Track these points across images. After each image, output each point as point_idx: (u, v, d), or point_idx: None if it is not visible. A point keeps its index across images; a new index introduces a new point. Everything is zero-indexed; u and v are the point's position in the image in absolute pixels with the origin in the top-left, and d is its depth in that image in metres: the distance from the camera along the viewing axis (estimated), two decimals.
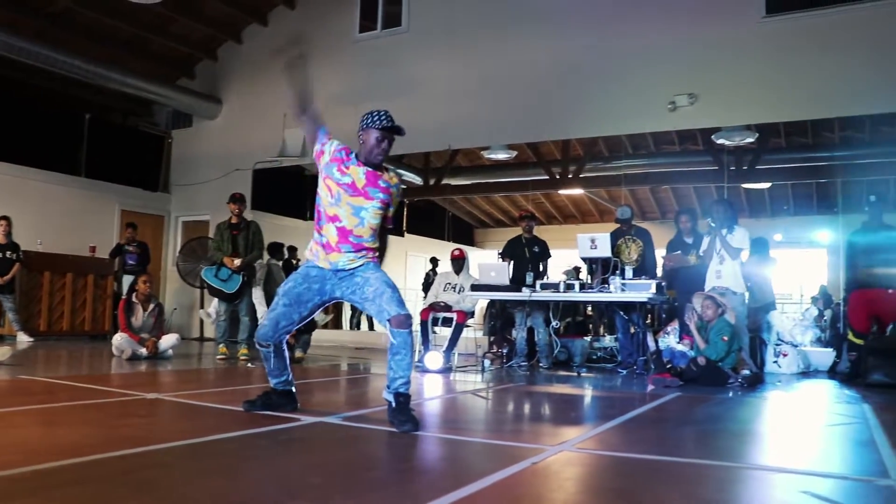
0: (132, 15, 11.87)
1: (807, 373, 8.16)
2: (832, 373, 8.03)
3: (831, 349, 8.56)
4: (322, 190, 3.89)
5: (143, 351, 7.76)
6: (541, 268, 8.60)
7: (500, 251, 8.98)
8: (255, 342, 4.02)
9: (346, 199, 3.81)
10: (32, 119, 12.40)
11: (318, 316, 4.46)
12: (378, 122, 3.80)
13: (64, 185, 12.41)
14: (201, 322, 12.75)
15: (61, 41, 11.65)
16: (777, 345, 8.23)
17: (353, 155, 3.87)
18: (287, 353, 4.11)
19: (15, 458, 2.66)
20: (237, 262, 8.06)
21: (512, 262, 8.61)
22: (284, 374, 4.10)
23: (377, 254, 3.96)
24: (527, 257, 8.56)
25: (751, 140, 10.65)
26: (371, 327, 14.07)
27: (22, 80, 12.36)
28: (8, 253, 10.00)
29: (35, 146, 12.18)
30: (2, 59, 10.77)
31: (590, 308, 9.90)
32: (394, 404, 3.70)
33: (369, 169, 3.84)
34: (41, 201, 11.87)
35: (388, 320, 3.71)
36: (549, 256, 8.81)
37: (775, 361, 8.13)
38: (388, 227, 4.02)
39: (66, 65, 11.21)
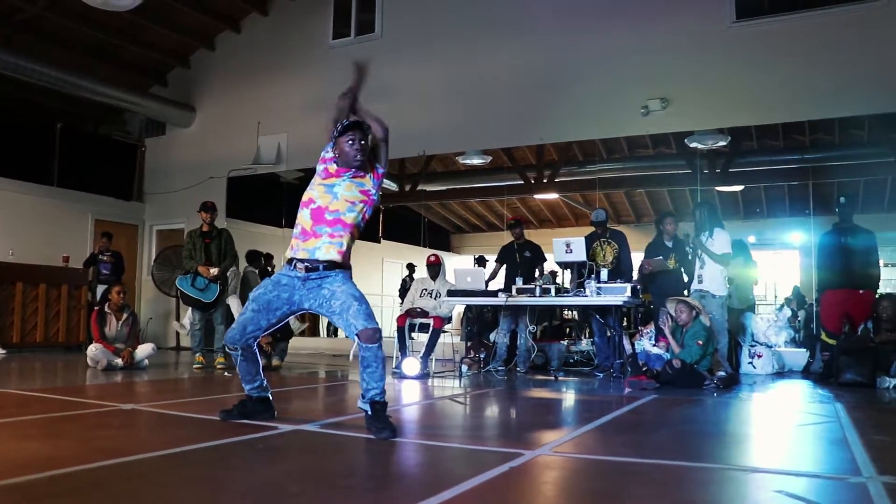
0: (103, 22, 11.80)
1: (781, 373, 8.25)
2: (806, 373, 8.12)
3: (805, 349, 8.66)
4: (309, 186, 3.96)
5: (119, 361, 7.70)
6: (536, 273, 8.63)
7: (479, 256, 9.02)
8: (224, 345, 4.01)
9: (319, 182, 3.90)
10: (2, 128, 12.26)
11: (294, 324, 4.45)
12: (340, 127, 3.86)
13: (36, 194, 12.28)
14: (177, 332, 12.66)
15: (31, 49, 11.53)
16: (752, 346, 8.32)
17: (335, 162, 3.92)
18: (259, 358, 4.08)
19: None
20: (214, 271, 8.02)
21: (504, 268, 8.67)
22: (257, 380, 4.07)
23: (348, 257, 3.90)
24: (517, 262, 8.60)
25: (723, 143, 10.76)
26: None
27: None
28: None
29: (6, 155, 12.04)
30: None
31: (567, 312, 9.94)
32: (370, 412, 3.70)
33: (342, 167, 3.89)
34: (13, 211, 11.74)
35: (357, 335, 3.70)
36: (544, 260, 8.85)
37: (750, 362, 8.21)
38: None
39: (36, 73, 11.10)
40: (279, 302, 3.88)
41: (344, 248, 3.83)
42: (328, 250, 3.80)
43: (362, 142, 3.84)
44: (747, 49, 9.14)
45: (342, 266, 3.86)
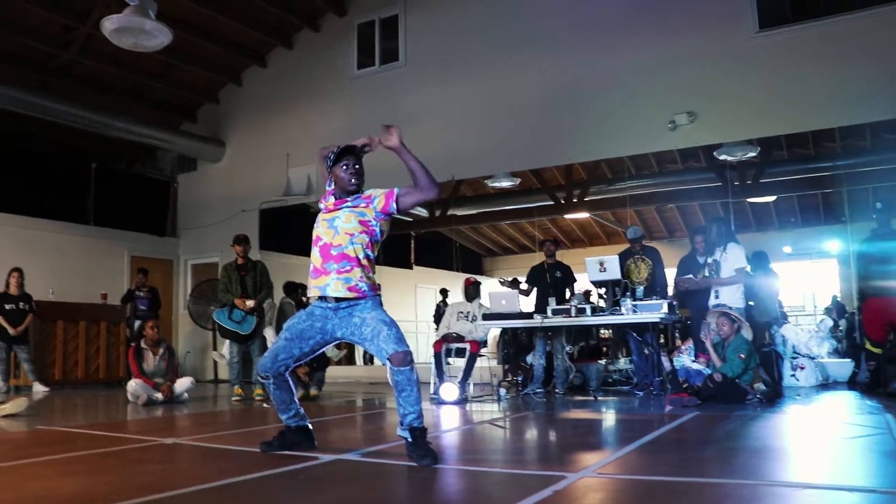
0: (133, 63, 12.03)
1: (826, 385, 8.10)
2: (852, 383, 7.97)
3: (849, 360, 8.49)
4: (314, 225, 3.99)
5: (159, 395, 7.74)
6: (567, 294, 8.56)
7: (524, 279, 8.97)
8: (257, 373, 4.00)
9: (322, 218, 3.93)
10: (40, 170, 12.52)
11: (332, 352, 4.44)
12: (332, 155, 3.90)
13: (73, 233, 12.49)
14: (215, 364, 12.74)
15: (65, 93, 11.80)
16: (793, 358, 8.18)
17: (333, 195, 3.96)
18: (293, 387, 4.06)
19: None
20: (250, 303, 8.06)
21: (535, 290, 8.62)
22: (292, 408, 4.04)
23: (374, 286, 3.89)
24: (548, 283, 8.55)
25: (753, 154, 10.65)
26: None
27: (28, 133, 12.50)
28: (21, 304, 10.05)
29: (44, 197, 12.29)
30: (9, 113, 10.91)
31: (603, 331, 9.85)
32: (410, 439, 3.67)
33: (338, 199, 3.92)
34: (52, 251, 11.94)
35: (388, 359, 3.69)
36: (574, 281, 8.79)
37: (793, 375, 8.07)
38: (404, 198, 3.88)
39: (70, 116, 11.37)
40: (312, 331, 3.89)
41: (353, 283, 3.80)
42: (336, 287, 3.80)
43: (356, 165, 3.90)
44: (772, 58, 9.07)
45: (371, 294, 3.86)
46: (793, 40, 9.02)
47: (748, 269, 7.28)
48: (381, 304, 3.92)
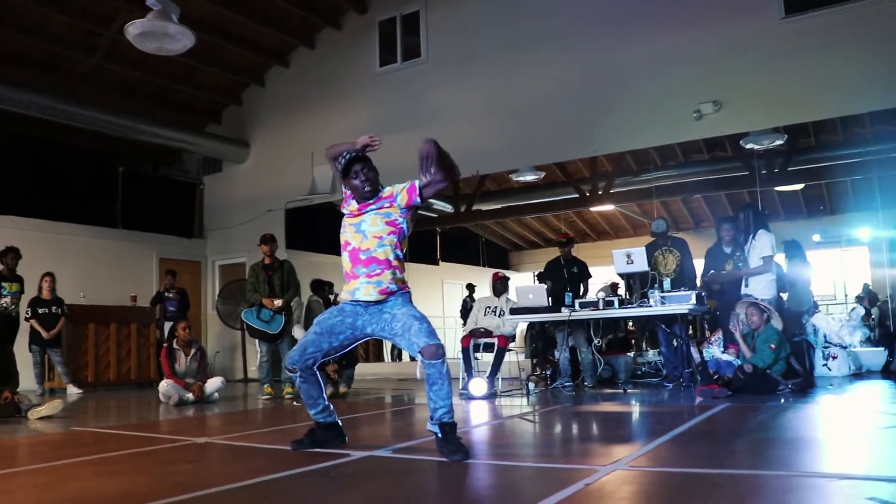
0: (157, 67, 12.14)
1: (859, 374, 8.00)
2: (886, 372, 7.87)
3: (882, 348, 8.38)
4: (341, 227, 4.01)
5: (190, 396, 7.82)
6: (581, 288, 8.56)
7: (539, 273, 8.97)
8: (285, 367, 4.02)
9: (348, 222, 3.96)
10: (69, 176, 12.68)
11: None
12: (342, 164, 3.89)
13: (103, 237, 12.65)
14: (244, 363, 12.83)
15: (92, 99, 11.94)
16: (825, 347, 8.08)
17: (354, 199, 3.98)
18: (321, 382, 4.07)
19: None
20: (278, 302, 8.11)
21: (550, 283, 8.60)
22: (320, 403, 4.05)
23: (403, 284, 3.92)
24: (566, 278, 8.55)
25: (780, 142, 10.53)
26: (413, 358, 14.05)
27: (57, 139, 12.66)
28: (54, 308, 10.19)
29: (73, 202, 12.46)
30: (38, 120, 11.07)
31: (631, 323, 9.81)
32: (440, 434, 3.68)
33: (360, 203, 3.93)
34: (82, 255, 12.10)
35: (420, 352, 3.69)
36: (590, 276, 8.81)
37: (825, 364, 7.98)
38: (425, 190, 3.88)
39: (97, 121, 11.52)
40: (342, 326, 3.91)
41: (384, 286, 3.83)
42: (367, 291, 3.83)
43: (366, 171, 3.87)
44: (799, 44, 8.96)
45: (400, 292, 3.89)
46: (820, 25, 8.89)
47: (776, 257, 7.17)
48: (410, 300, 3.93)
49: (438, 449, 3.64)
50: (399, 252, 3.91)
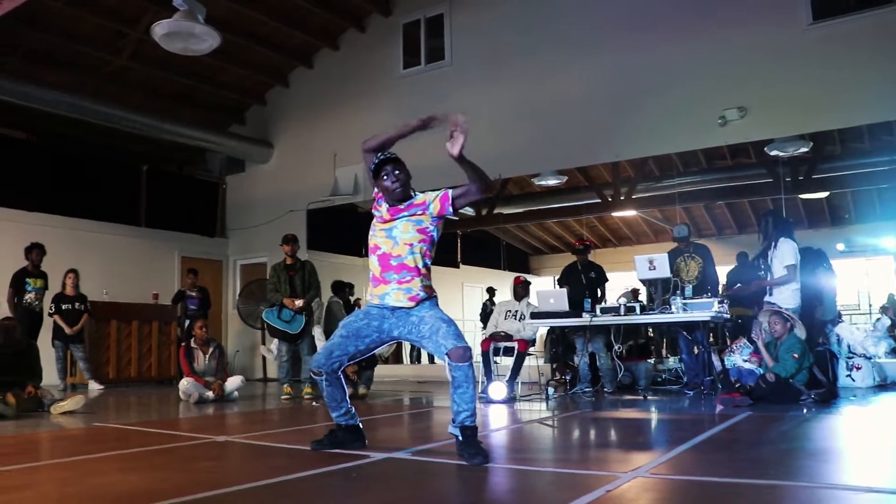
0: (183, 67, 12.23)
1: (884, 385, 7.90)
2: None
3: None
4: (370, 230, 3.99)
5: (210, 394, 7.86)
6: (598, 293, 8.55)
7: (558, 278, 8.96)
8: (310, 370, 4.02)
9: (379, 227, 3.92)
10: (93, 174, 12.80)
11: (381, 348, 4.45)
12: (372, 166, 3.89)
13: (126, 235, 12.75)
14: (264, 362, 12.90)
15: (118, 98, 12.06)
16: (849, 358, 7.99)
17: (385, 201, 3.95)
18: (345, 385, 4.08)
19: None
20: (299, 302, 8.13)
21: (569, 289, 8.58)
22: (343, 406, 4.05)
23: (431, 290, 3.92)
24: (583, 283, 8.53)
25: (805, 150, 10.45)
26: (431, 360, 14.07)
27: (83, 138, 12.79)
28: (77, 304, 10.29)
29: (98, 200, 12.57)
30: (65, 119, 11.19)
31: (651, 330, 9.76)
32: (461, 437, 3.67)
33: (392, 207, 3.91)
34: (105, 252, 12.21)
35: (447, 354, 3.69)
36: (606, 281, 8.79)
37: (849, 375, 7.88)
38: (458, 200, 3.85)
39: (122, 120, 11.63)
40: (368, 329, 3.92)
41: (413, 293, 3.83)
42: (397, 297, 3.83)
43: (397, 172, 3.85)
44: (826, 50, 8.88)
45: (428, 297, 3.90)
46: (849, 31, 8.80)
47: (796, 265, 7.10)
48: (437, 304, 3.94)
49: (458, 452, 3.64)
50: (428, 260, 3.91)
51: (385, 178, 3.86)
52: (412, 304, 3.84)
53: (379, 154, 3.89)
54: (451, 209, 3.85)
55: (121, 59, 11.88)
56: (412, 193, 3.94)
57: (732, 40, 9.46)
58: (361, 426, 4.16)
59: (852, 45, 8.77)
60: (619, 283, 10.84)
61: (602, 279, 8.77)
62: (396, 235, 3.85)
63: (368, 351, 4.03)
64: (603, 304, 8.10)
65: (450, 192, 3.85)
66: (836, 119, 9.17)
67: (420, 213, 3.88)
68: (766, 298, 7.09)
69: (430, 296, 3.91)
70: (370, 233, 3.96)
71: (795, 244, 7.10)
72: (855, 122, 9.26)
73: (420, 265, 3.85)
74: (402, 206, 3.89)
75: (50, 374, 10.08)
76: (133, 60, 11.98)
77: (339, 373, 4.00)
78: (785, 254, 7.02)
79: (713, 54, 9.57)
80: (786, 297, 6.99)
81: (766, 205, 12.77)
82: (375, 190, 3.99)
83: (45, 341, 9.78)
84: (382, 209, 3.93)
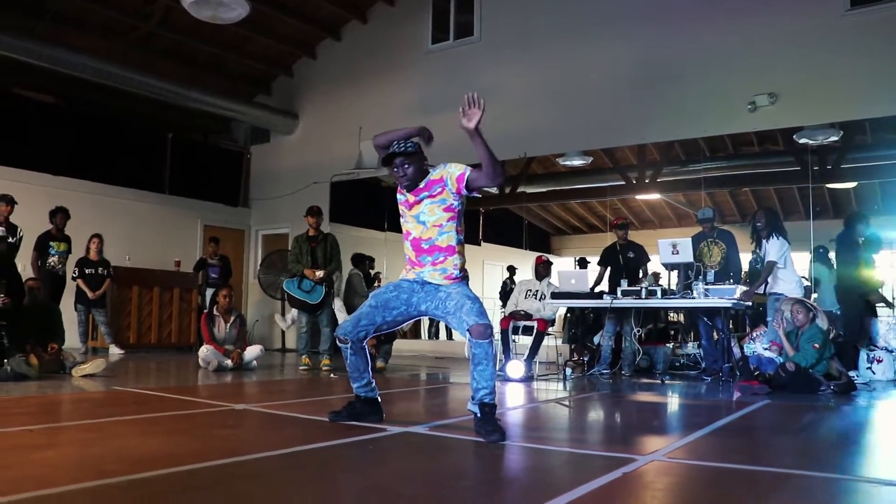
0: (211, 36, 12.22)
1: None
2: None
3: None
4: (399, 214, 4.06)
5: (229, 362, 7.92)
6: (640, 274, 8.51)
7: (580, 258, 8.92)
8: (336, 337, 4.04)
9: (407, 213, 3.98)
10: (119, 140, 12.85)
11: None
12: (384, 155, 3.96)
13: (149, 202, 12.82)
14: (283, 333, 12.97)
15: (145, 64, 12.06)
16: (871, 350, 7.92)
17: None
18: (368, 356, 4.10)
19: (115, 467, 2.73)
20: (319, 273, 8.15)
21: (609, 270, 8.58)
22: (364, 377, 4.08)
23: (464, 270, 3.96)
24: (621, 264, 8.49)
25: (835, 138, 10.29)
26: (450, 336, 14.08)
27: (109, 103, 12.83)
28: (100, 269, 10.38)
29: (122, 166, 12.63)
30: (93, 84, 11.23)
31: (672, 314, 9.72)
32: (479, 415, 3.69)
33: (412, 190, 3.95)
34: (129, 218, 12.29)
35: (468, 330, 3.71)
36: (648, 260, 8.74)
37: (869, 367, 7.82)
38: (472, 185, 3.85)
39: (149, 87, 11.63)
40: (397, 302, 3.96)
41: (448, 272, 3.90)
42: (433, 276, 3.92)
43: (405, 166, 3.87)
44: (863, 38, 8.71)
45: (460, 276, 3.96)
46: (887, 18, 8.61)
47: (779, 265, 7.13)
48: (468, 283, 3.98)
49: (476, 429, 3.65)
50: (460, 236, 3.95)
51: (395, 170, 3.91)
52: (448, 282, 3.90)
53: (390, 147, 3.91)
54: (465, 191, 3.87)
55: (149, 25, 11.88)
56: (429, 170, 3.96)
57: (766, 25, 9.32)
58: (380, 400, 4.18)
59: (889, 33, 8.60)
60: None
61: (642, 259, 8.70)
62: (425, 220, 3.90)
63: (396, 324, 4.07)
64: (644, 284, 8.05)
65: (466, 171, 3.85)
66: (869, 109, 9.00)
67: (440, 190, 3.89)
68: (769, 290, 7.12)
69: (464, 276, 3.96)
70: (401, 220, 4.02)
71: (781, 243, 7.15)
72: (888, 112, 9.06)
73: (454, 242, 3.91)
74: (421, 186, 3.92)
75: (72, 338, 10.20)
76: (161, 27, 11.98)
77: (364, 343, 4.03)
78: (770, 249, 7.12)
79: (746, 38, 9.43)
80: (791, 289, 7.02)
81: (793, 193, 12.61)
82: None
83: (67, 305, 9.89)
84: (406, 193, 3.96)
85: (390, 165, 3.93)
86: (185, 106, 12.49)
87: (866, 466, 3.47)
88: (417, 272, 3.95)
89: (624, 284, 7.71)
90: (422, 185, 3.91)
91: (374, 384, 4.14)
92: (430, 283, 3.92)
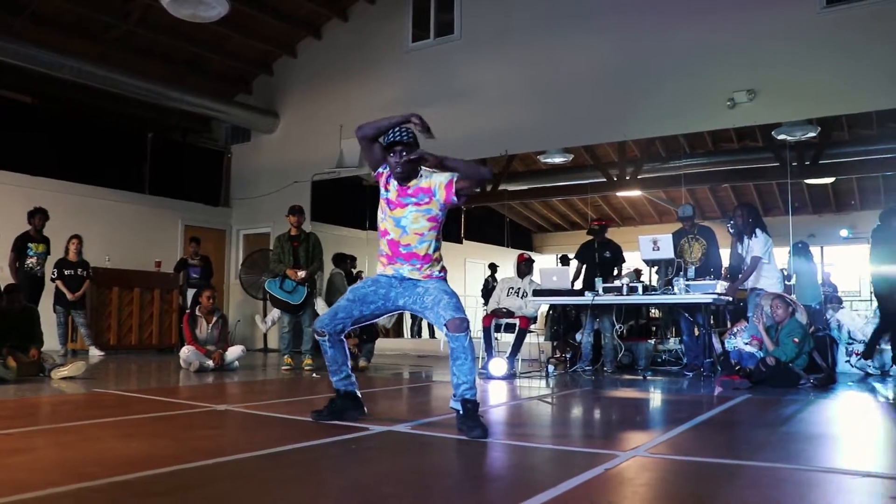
0: (191, 34, 12.15)
1: (884, 372, 7.90)
2: None
3: None
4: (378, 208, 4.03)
5: (210, 363, 7.88)
6: (615, 272, 8.54)
7: (562, 255, 8.94)
8: (314, 330, 4.04)
9: (388, 213, 3.96)
10: (98, 139, 12.76)
11: (382, 319, 4.47)
12: (384, 142, 3.93)
13: (129, 202, 12.75)
14: (265, 333, 12.92)
15: (124, 63, 11.99)
16: (849, 343, 7.99)
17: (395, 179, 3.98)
18: (347, 349, 4.09)
19: (94, 470, 2.71)
20: (301, 273, 8.12)
21: (584, 267, 8.60)
22: (343, 370, 4.07)
23: (442, 269, 3.98)
24: (596, 262, 8.52)
25: (813, 134, 10.37)
26: (432, 335, 14.08)
27: (88, 103, 12.73)
28: (79, 270, 10.28)
29: (102, 165, 12.56)
30: (70, 83, 11.13)
31: (653, 310, 9.76)
32: (461, 411, 3.69)
33: (400, 185, 3.93)
34: (108, 219, 12.21)
35: (445, 325, 3.72)
36: (623, 261, 8.77)
37: (848, 360, 7.89)
38: (461, 191, 3.87)
39: (128, 86, 11.57)
40: (375, 296, 3.96)
41: (425, 272, 3.92)
42: (411, 273, 3.92)
43: (403, 153, 3.86)
44: (839, 35, 8.80)
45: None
46: (863, 16, 8.71)
47: (765, 259, 7.22)
48: (445, 279, 4.00)
49: (458, 426, 3.65)
50: (438, 243, 3.97)
51: (392, 155, 3.88)
52: (426, 278, 3.91)
53: (390, 134, 3.89)
54: (455, 199, 3.88)
55: (128, 23, 11.77)
56: (421, 173, 3.95)
57: (745, 22, 9.38)
58: (360, 395, 4.17)
59: (865, 30, 8.69)
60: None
61: (618, 259, 8.74)
62: (406, 225, 3.89)
63: (373, 317, 4.08)
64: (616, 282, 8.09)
65: (454, 178, 3.86)
66: (846, 105, 9.09)
67: (427, 200, 3.90)
68: (752, 285, 7.18)
69: (441, 271, 3.98)
70: (379, 215, 4.00)
71: (764, 239, 7.22)
72: (864, 108, 9.18)
73: (431, 251, 3.92)
74: (409, 189, 3.90)
75: (51, 340, 10.12)
76: (140, 26, 11.88)
77: (342, 337, 4.02)
78: (758, 246, 7.18)
79: (725, 35, 9.49)
80: (772, 284, 7.09)
81: (772, 188, 12.71)
82: (378, 172, 4.04)
83: (46, 307, 9.80)
84: (391, 190, 3.95)
85: (391, 149, 3.89)
86: (165, 105, 12.43)
87: (843, 458, 3.50)
88: (395, 269, 3.94)
89: (598, 283, 7.73)
90: (411, 187, 3.91)
91: (353, 377, 4.14)
92: (408, 279, 3.92)
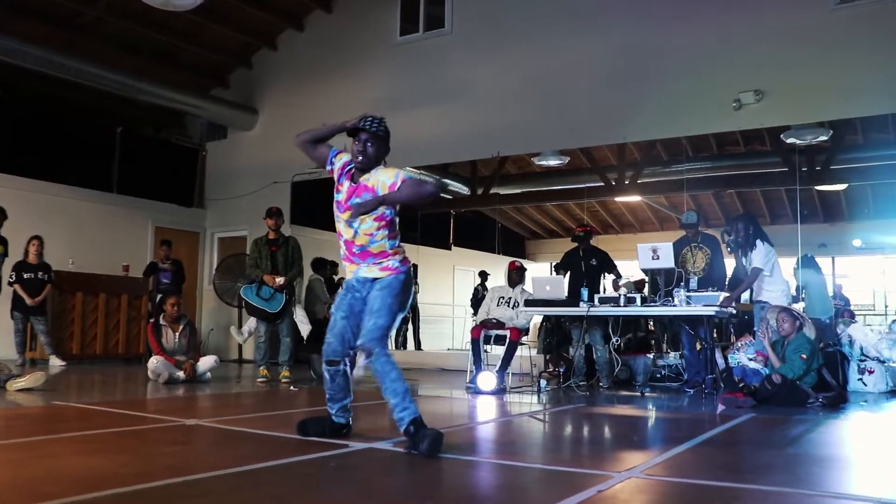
0: (163, 24, 12.10)
1: None
2: None
3: None
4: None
5: (180, 374, 7.85)
6: (602, 280, 8.54)
7: (556, 263, 8.94)
8: (325, 361, 4.06)
9: (339, 215, 4.08)
10: (62, 134, 12.68)
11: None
12: (356, 123, 4.01)
13: (95, 201, 12.66)
14: (241, 344, 12.87)
15: (91, 52, 11.91)
16: (861, 360, 8.01)
17: (347, 169, 4.08)
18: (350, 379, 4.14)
19: (50, 490, 2.69)
20: (280, 280, 8.10)
21: (570, 276, 8.58)
22: (347, 400, 4.14)
23: (403, 261, 4.03)
24: (582, 271, 8.51)
25: (824, 138, 10.42)
26: (418, 347, 14.06)
27: (52, 94, 12.66)
28: (40, 273, 10.20)
29: (65, 162, 12.46)
30: (32, 72, 11.06)
31: (652, 323, 9.78)
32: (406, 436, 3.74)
33: (352, 184, 4.01)
34: (72, 219, 12.12)
35: (358, 346, 3.88)
36: (613, 266, 8.75)
37: (860, 379, 7.90)
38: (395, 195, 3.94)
39: (96, 77, 11.48)
40: (359, 304, 4.03)
41: (384, 265, 3.99)
42: (369, 271, 4.01)
43: (368, 144, 3.95)
44: (852, 34, 8.83)
45: (403, 269, 4.03)
46: (879, 13, 8.71)
47: (766, 272, 7.27)
48: (404, 279, 4.01)
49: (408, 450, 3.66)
50: (393, 241, 4.03)
51: (356, 143, 3.98)
52: (385, 273, 3.97)
53: (363, 123, 3.97)
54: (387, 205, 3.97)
55: (96, 10, 11.70)
56: (372, 166, 4.00)
57: (752, 18, 9.40)
58: (351, 424, 4.23)
59: (882, 28, 8.70)
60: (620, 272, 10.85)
61: (606, 267, 8.72)
62: (356, 227, 3.99)
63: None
64: (602, 293, 8.09)
65: (398, 181, 3.90)
66: (860, 107, 9.11)
67: (357, 199, 3.98)
68: (756, 298, 7.21)
69: (404, 265, 4.03)
70: (335, 215, 4.11)
71: (766, 249, 7.28)
72: (879, 110, 9.19)
73: (387, 248, 4.01)
74: (358, 185, 3.96)
75: (7, 348, 10.07)
76: (109, 13, 11.79)
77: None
78: (759, 258, 7.23)
79: (731, 33, 9.51)
80: (776, 297, 7.11)
81: (780, 195, 12.77)
82: (329, 168, 4.18)
83: (2, 312, 9.75)
84: (342, 191, 4.05)
85: (356, 136, 3.97)
86: (135, 98, 12.35)
87: (853, 483, 3.51)
88: (354, 270, 4.05)
89: (584, 293, 7.73)
90: (360, 184, 3.96)
91: (350, 410, 4.21)
92: (366, 278, 4.00)
